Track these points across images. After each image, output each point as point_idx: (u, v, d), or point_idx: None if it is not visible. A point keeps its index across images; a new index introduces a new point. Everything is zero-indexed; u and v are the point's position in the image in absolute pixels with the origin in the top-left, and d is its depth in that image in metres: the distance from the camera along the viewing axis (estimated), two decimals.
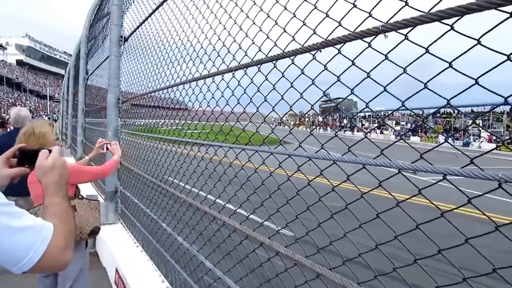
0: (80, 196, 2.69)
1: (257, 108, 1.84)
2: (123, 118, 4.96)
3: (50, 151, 1.23)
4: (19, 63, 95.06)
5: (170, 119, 3.42)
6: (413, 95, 1.08)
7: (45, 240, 0.96)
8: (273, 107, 1.65)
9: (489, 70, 0.83)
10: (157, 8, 3.55)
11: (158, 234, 3.52)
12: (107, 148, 3.26)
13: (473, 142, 43.93)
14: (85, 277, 2.84)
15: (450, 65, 0.94)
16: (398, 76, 1.12)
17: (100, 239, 4.81)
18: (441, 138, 47.24)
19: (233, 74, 2.04)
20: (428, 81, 1.10)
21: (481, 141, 42.28)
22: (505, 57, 0.83)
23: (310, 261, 1.46)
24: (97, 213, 2.73)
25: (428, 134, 51.61)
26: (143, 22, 4.05)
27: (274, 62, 1.62)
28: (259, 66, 1.74)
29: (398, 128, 59.00)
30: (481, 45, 0.83)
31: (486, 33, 0.82)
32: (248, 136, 1.91)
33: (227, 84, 2.16)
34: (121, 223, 4.94)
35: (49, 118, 37.78)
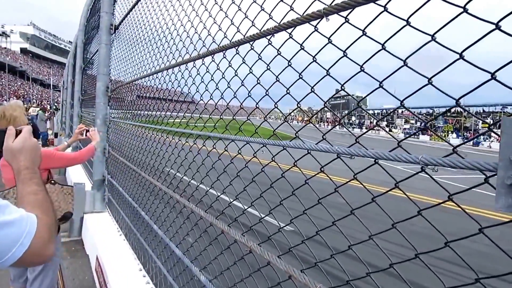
0: (52, 181, 2.67)
1: (256, 105, 1.79)
2: (130, 110, 4.91)
3: (20, 131, 1.14)
4: (23, 51, 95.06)
5: (172, 112, 3.33)
6: (413, 93, 0.98)
7: (30, 234, 0.92)
8: (276, 103, 1.58)
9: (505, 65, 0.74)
10: None
11: (139, 223, 3.51)
12: (86, 135, 3.24)
13: (483, 141, 43.56)
14: (55, 261, 2.83)
15: (461, 57, 0.91)
16: (397, 70, 1.06)
17: (85, 227, 4.83)
18: (451, 137, 46.87)
19: (224, 55, 2.01)
20: (432, 77, 1.05)
21: (491, 141, 41.84)
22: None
23: (261, 248, 1.45)
24: (70, 198, 2.70)
25: (437, 132, 51.35)
26: (131, 9, 4.02)
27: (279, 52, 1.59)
28: (252, 43, 1.70)
29: (407, 126, 58.68)
30: (410, 26, 0.80)
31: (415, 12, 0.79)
32: (254, 130, 1.79)
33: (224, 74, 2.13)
34: (108, 211, 4.94)
35: (50, 107, 37.84)
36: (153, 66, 3.25)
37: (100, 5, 5.09)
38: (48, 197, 1.09)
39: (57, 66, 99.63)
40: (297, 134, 1.41)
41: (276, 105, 1.48)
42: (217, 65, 1.89)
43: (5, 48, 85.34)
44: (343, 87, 1.10)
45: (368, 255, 1.12)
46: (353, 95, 1.45)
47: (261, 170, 1.52)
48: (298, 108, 1.40)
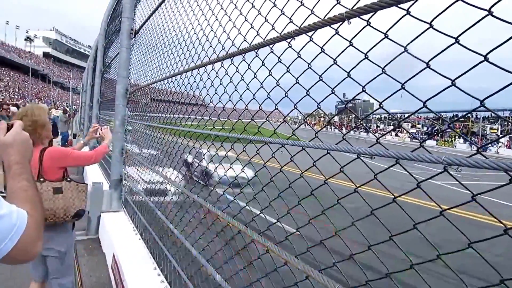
0: (68, 179, 2.70)
1: (276, 106, 1.78)
2: (144, 112, 4.98)
3: (12, 125, 1.12)
4: (46, 55, 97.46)
5: (185, 115, 3.36)
6: (436, 94, 0.94)
7: (19, 229, 0.90)
8: (295, 104, 1.59)
9: None
10: (163, 1, 3.57)
11: (155, 222, 3.54)
12: (99, 133, 3.34)
13: (490, 147, 42.49)
14: (71, 257, 2.88)
15: (428, 66, 0.90)
16: (377, 76, 1.06)
17: (102, 226, 4.89)
18: (458, 143, 45.94)
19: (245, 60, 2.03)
20: (405, 82, 1.05)
21: (499, 147, 40.79)
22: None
23: (278, 248, 1.44)
24: (84, 196, 2.75)
25: (444, 138, 50.31)
26: (151, 15, 4.09)
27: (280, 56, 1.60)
28: (256, 51, 1.72)
29: (413, 130, 57.73)
30: (433, 28, 0.80)
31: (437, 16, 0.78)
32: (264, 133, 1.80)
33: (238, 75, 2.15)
34: (124, 211, 5.00)
35: (70, 109, 38.57)
36: (172, 69, 3.29)
37: (121, 10, 5.20)
38: (37, 193, 1.07)
39: (77, 69, 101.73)
40: (317, 135, 1.41)
41: (295, 107, 1.48)
42: (236, 68, 1.91)
43: (29, 52, 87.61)
44: (364, 89, 1.10)
45: (385, 257, 1.10)
46: (359, 99, 1.46)
47: (280, 170, 1.52)
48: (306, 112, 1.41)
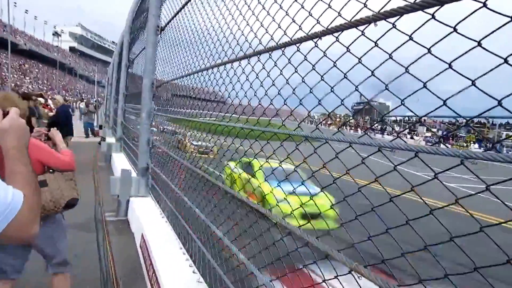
0: (50, 170, 2.44)
1: (300, 101, 1.85)
2: (164, 106, 5.11)
3: (7, 113, 1.13)
4: (72, 49, 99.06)
5: (206, 110, 3.41)
6: (456, 94, 0.98)
7: (13, 209, 0.90)
8: (319, 100, 1.65)
9: None
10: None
11: (181, 207, 3.67)
12: (48, 138, 2.62)
13: (506, 152, 41.35)
14: (65, 246, 2.68)
15: (450, 66, 0.94)
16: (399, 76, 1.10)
17: (131, 209, 5.05)
18: (473, 148, 44.90)
19: (260, 60, 2.10)
20: (427, 81, 1.06)
21: None
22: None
23: (301, 230, 1.52)
24: (73, 184, 2.54)
25: (458, 142, 49.05)
26: (177, 12, 4.16)
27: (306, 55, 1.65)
28: (283, 49, 1.77)
29: (429, 134, 56.64)
30: (457, 32, 0.85)
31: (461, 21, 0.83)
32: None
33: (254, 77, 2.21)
34: (151, 196, 5.16)
35: (96, 101, 39.22)
36: (197, 66, 3.37)
37: (148, 7, 5.29)
38: (35, 178, 1.07)
39: (101, 64, 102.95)
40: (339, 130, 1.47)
41: (319, 103, 1.53)
42: (263, 65, 1.97)
43: (57, 46, 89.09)
44: (387, 87, 1.14)
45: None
46: (375, 101, 1.48)
47: (304, 160, 1.59)
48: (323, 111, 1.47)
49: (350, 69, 1.31)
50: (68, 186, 2.49)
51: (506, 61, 0.77)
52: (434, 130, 57.95)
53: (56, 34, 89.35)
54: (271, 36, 1.88)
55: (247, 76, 2.22)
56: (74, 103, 40.64)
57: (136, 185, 5.25)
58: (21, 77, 55.75)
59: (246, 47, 2.23)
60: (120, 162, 8.12)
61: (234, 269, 2.33)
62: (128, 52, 9.61)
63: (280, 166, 1.81)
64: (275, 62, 1.84)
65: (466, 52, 0.85)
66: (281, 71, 1.80)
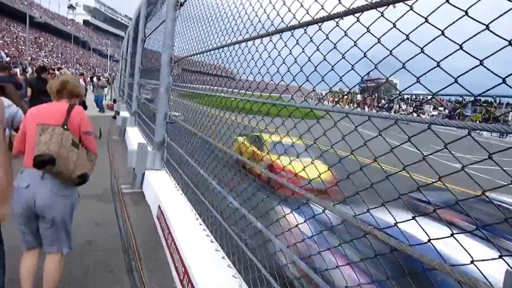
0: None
1: (322, 78, 1.94)
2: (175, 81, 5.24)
3: None
4: (85, 23, 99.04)
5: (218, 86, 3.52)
6: (465, 72, 1.05)
7: None
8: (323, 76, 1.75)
9: None
10: None
11: (197, 179, 3.84)
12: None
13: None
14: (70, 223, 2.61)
15: (461, 47, 1.03)
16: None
17: (146, 181, 5.27)
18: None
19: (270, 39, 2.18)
20: (441, 60, 1.15)
21: None
22: None
23: (336, 208, 1.65)
24: (91, 166, 2.61)
25: (465, 121, 47.98)
26: None
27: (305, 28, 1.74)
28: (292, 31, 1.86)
29: (435, 113, 55.70)
30: (468, 16, 0.93)
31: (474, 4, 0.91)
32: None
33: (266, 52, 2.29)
34: (166, 170, 5.36)
35: (109, 74, 39.47)
36: (217, 42, 3.45)
37: None
38: (6, 159, 0.99)
39: (114, 38, 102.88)
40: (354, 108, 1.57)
41: (341, 79, 1.62)
42: (285, 43, 2.05)
43: (72, 19, 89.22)
44: (404, 65, 1.23)
45: None
46: (382, 78, 1.54)
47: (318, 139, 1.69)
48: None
49: (370, 49, 1.39)
50: (88, 164, 2.55)
51: (510, 43, 0.86)
52: (441, 108, 56.94)
53: (71, 7, 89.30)
54: (294, 15, 1.95)
55: (269, 54, 2.30)
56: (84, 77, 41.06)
57: (151, 159, 5.45)
58: (37, 50, 56.30)
59: (267, 25, 2.31)
60: (134, 136, 8.34)
61: (251, 237, 2.49)
62: (145, 26, 9.65)
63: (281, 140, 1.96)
64: (297, 40, 1.92)
65: (474, 35, 0.94)
66: (303, 49, 1.88)
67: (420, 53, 1.20)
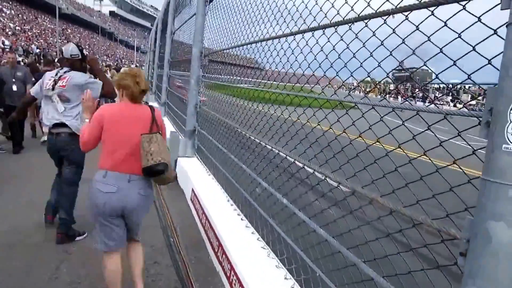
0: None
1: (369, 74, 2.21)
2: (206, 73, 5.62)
3: None
4: (112, 14, 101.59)
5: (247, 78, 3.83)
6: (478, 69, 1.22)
7: None
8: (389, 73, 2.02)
9: None
10: None
11: (227, 165, 4.22)
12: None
13: None
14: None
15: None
16: None
17: (179, 167, 5.72)
18: None
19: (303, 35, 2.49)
20: (476, 44, 1.25)
21: None
22: None
23: (385, 199, 1.97)
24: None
25: None
26: None
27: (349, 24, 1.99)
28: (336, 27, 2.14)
29: (473, 102, 53.51)
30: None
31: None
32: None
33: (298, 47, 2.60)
34: (197, 157, 5.79)
35: (135, 66, 40.77)
36: (251, 37, 3.72)
37: None
38: None
39: (140, 28, 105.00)
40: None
41: (387, 75, 1.89)
42: (328, 39, 2.26)
43: (98, 11, 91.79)
44: (455, 63, 1.38)
45: None
46: (417, 68, 1.76)
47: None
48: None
49: (418, 46, 1.55)
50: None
51: None
52: (480, 98, 54.55)
53: None
54: (337, 11, 2.16)
55: (311, 49, 2.56)
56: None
57: (183, 146, 5.89)
58: (65, 42, 58.54)
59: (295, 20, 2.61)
60: (166, 125, 8.81)
61: (278, 212, 2.85)
62: (173, 19, 10.06)
63: None
64: (341, 37, 2.13)
65: None
66: (347, 45, 2.08)
67: (471, 50, 1.30)
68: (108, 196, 2.33)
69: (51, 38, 50.49)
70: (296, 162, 2.58)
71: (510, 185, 1.02)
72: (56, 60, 11.14)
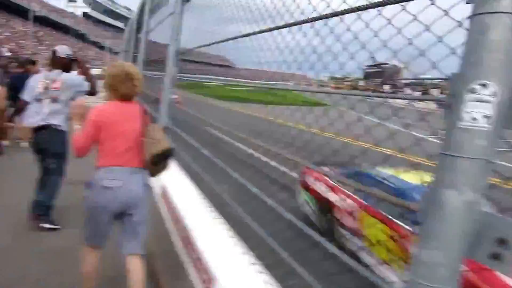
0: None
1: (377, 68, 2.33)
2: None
3: None
4: (85, 15, 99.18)
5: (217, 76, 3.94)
6: None
7: None
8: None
9: None
10: None
11: (199, 162, 4.26)
12: None
13: None
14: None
15: None
16: None
17: None
18: None
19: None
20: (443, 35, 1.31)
21: None
22: None
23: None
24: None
25: None
26: None
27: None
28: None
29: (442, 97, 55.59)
30: None
31: None
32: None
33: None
34: None
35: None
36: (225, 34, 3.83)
37: None
38: None
39: (113, 29, 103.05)
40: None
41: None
42: (332, 31, 2.32)
43: (72, 12, 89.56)
44: (411, 42, 1.50)
45: None
46: (387, 63, 1.90)
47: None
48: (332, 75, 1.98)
49: (416, 36, 1.50)
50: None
51: None
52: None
53: (71, 0, 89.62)
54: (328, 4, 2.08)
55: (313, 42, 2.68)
56: None
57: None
58: (37, 44, 56.53)
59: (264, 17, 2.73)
60: None
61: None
62: (149, 18, 9.98)
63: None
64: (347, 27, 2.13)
65: None
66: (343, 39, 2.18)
67: (425, 30, 1.37)
68: (115, 191, 2.39)
69: (23, 41, 48.90)
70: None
71: (463, 157, 1.15)
72: (49, 60, 10.88)
